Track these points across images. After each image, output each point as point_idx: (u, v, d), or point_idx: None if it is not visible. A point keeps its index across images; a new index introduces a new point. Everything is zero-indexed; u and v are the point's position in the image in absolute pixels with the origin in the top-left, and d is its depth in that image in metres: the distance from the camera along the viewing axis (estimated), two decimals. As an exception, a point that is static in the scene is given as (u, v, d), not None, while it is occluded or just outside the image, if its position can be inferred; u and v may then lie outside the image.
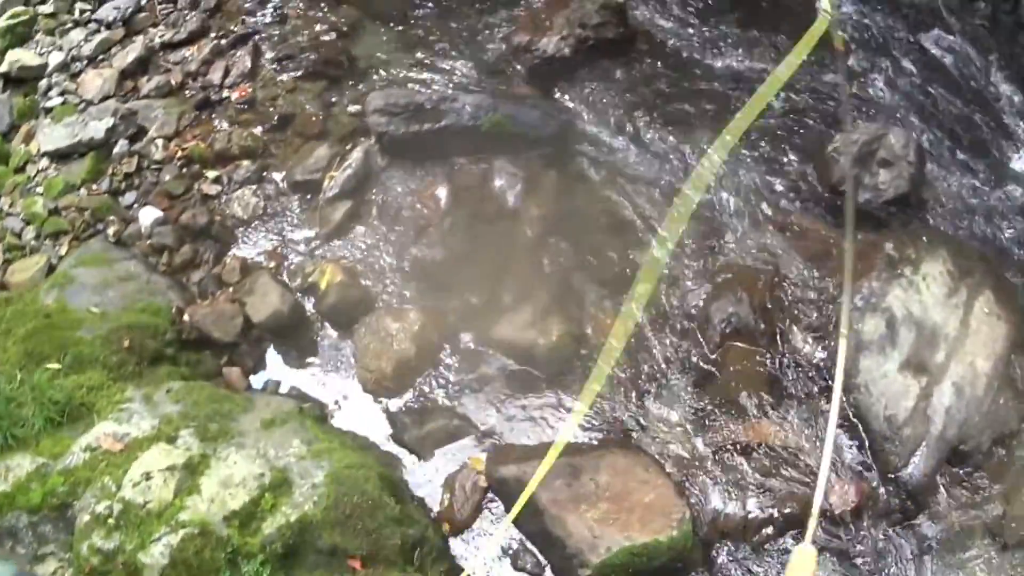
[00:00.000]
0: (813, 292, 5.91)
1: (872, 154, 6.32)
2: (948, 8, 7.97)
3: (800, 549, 3.01)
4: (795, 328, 5.74)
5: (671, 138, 6.65)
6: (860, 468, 5.30)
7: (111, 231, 6.51)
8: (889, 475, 5.24)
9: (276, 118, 6.90)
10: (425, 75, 6.93)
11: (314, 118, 6.84)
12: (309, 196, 6.48)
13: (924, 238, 6.07)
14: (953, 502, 5.23)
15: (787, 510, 5.12)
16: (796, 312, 5.80)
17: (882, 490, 5.22)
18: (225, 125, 6.93)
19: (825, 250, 6.11)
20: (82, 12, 8.24)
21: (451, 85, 6.79)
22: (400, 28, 7.49)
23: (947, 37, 7.56)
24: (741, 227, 6.23)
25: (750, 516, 5.13)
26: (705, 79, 7.04)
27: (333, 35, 7.43)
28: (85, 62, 7.78)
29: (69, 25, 8.18)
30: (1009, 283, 6.00)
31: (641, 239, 6.15)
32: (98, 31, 8.00)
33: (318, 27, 7.51)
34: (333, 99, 6.99)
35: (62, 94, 7.54)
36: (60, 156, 7.04)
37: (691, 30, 7.39)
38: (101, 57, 7.79)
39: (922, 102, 7.04)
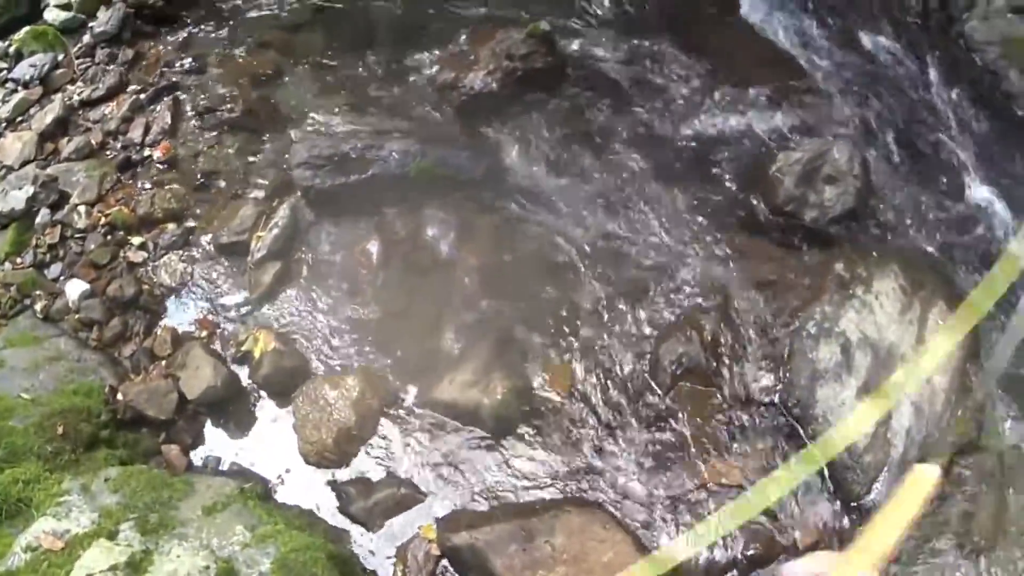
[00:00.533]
0: (764, 321, 5.77)
1: (817, 171, 6.23)
2: (880, 7, 7.89)
3: (921, 468, 2.86)
4: (748, 361, 5.60)
5: (605, 173, 6.50)
6: (821, 499, 5.17)
7: (38, 307, 6.27)
8: (852, 504, 5.11)
9: (199, 176, 6.68)
10: (350, 121, 6.68)
11: (238, 174, 6.64)
12: (237, 258, 6.25)
13: (874, 253, 5.99)
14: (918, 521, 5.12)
15: (750, 551, 4.99)
16: (748, 344, 5.67)
17: (845, 520, 5.08)
18: (148, 187, 6.68)
19: (774, 275, 5.99)
20: (-2, 71, 7.99)
21: (377, 131, 6.55)
22: (322, 71, 7.31)
23: (881, 38, 7.52)
24: (686, 260, 6.08)
25: (714, 561, 4.98)
26: (637, 105, 6.90)
27: (254, 83, 7.23)
28: (4, 125, 7.51)
29: (-15, 86, 7.92)
30: (960, 289, 5.89)
31: (578, 281, 5.98)
32: (15, 91, 7.72)
33: (239, 75, 7.30)
34: (257, 152, 6.78)
35: (-19, 160, 7.28)
36: (-18, 229, 6.78)
37: (621, 55, 7.25)
38: (20, 119, 7.52)
39: (863, 109, 6.97)
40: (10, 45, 8.11)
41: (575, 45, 7.34)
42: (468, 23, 7.54)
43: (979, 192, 6.48)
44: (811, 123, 6.81)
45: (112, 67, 7.60)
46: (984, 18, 7.43)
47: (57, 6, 8.32)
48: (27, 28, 8.16)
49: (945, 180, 6.49)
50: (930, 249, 6.13)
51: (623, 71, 7.10)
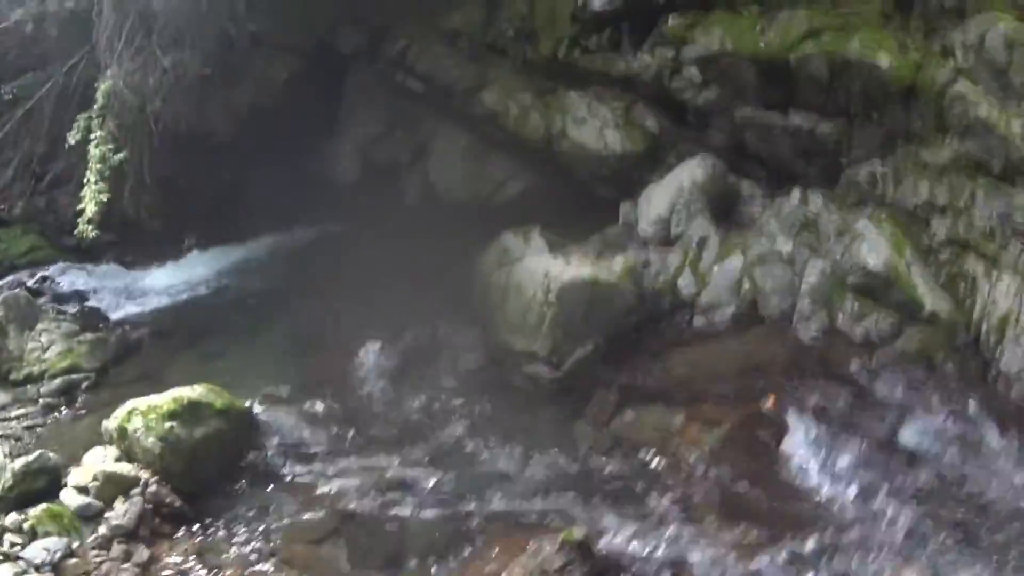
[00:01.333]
0: None
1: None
2: (914, 391, 8.45)
3: None
4: None
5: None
6: None
7: None
8: None
9: None
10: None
11: None
12: None
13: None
14: None
15: None
16: None
17: None
18: None
19: None
20: (12, 545, 8.17)
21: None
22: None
23: (922, 421, 8.08)
24: None
25: None
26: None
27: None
28: (12, 610, 7.70)
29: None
30: None
31: None
32: (26, 572, 7.93)
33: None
34: None
35: (-7, 646, 7.39)
36: None
37: (662, 549, 7.46)
38: (30, 604, 7.71)
39: (924, 516, 7.30)
40: (25, 520, 8.37)
41: (614, 545, 7.47)
42: (497, 530, 7.87)
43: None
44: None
45: (127, 566, 7.91)
46: (1015, 340, 7.83)
47: (75, 488, 8.76)
48: (44, 506, 8.49)
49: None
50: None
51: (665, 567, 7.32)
